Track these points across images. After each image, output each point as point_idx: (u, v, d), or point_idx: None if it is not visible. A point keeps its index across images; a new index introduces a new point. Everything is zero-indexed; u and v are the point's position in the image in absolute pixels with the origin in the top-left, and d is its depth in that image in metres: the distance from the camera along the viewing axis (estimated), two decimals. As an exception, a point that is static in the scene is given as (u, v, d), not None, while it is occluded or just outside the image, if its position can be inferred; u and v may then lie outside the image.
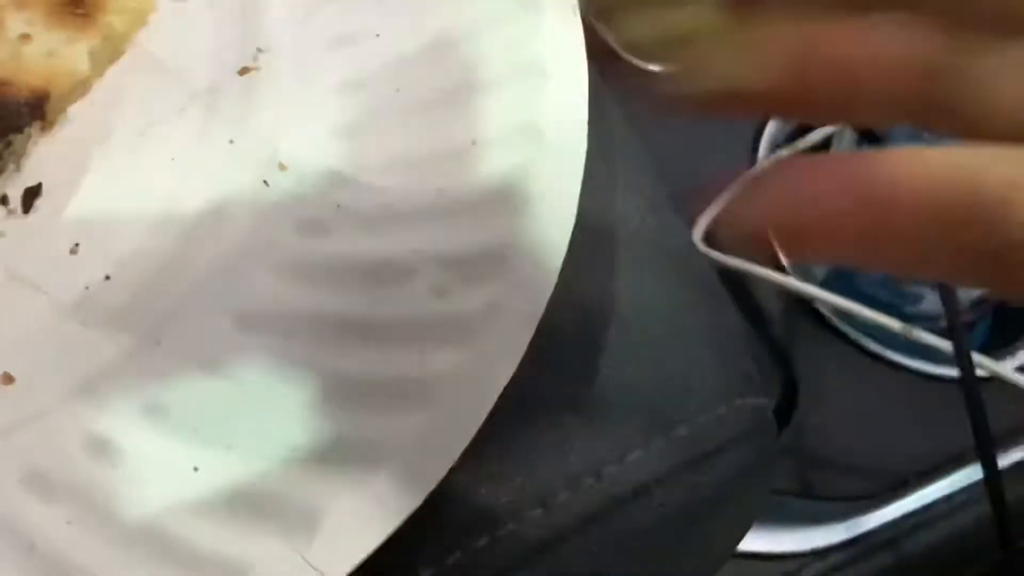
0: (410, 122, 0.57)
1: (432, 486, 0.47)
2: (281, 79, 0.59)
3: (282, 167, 0.56)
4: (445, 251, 0.53)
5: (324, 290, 0.53)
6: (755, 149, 1.02)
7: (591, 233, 0.57)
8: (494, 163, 0.55)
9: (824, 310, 0.95)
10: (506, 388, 0.49)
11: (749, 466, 0.57)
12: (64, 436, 0.50)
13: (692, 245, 0.66)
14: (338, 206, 0.55)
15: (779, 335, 0.95)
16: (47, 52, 0.53)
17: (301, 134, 0.57)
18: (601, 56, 0.58)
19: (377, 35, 0.59)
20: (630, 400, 0.55)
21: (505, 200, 0.53)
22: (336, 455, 0.48)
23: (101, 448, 0.49)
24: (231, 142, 0.57)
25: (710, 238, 0.94)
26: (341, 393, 0.50)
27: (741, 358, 0.60)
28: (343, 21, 0.60)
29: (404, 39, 0.59)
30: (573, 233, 0.53)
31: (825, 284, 0.94)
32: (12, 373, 0.51)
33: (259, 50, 0.59)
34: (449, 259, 0.53)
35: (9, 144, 0.54)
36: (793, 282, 0.92)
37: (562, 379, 0.55)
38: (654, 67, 0.92)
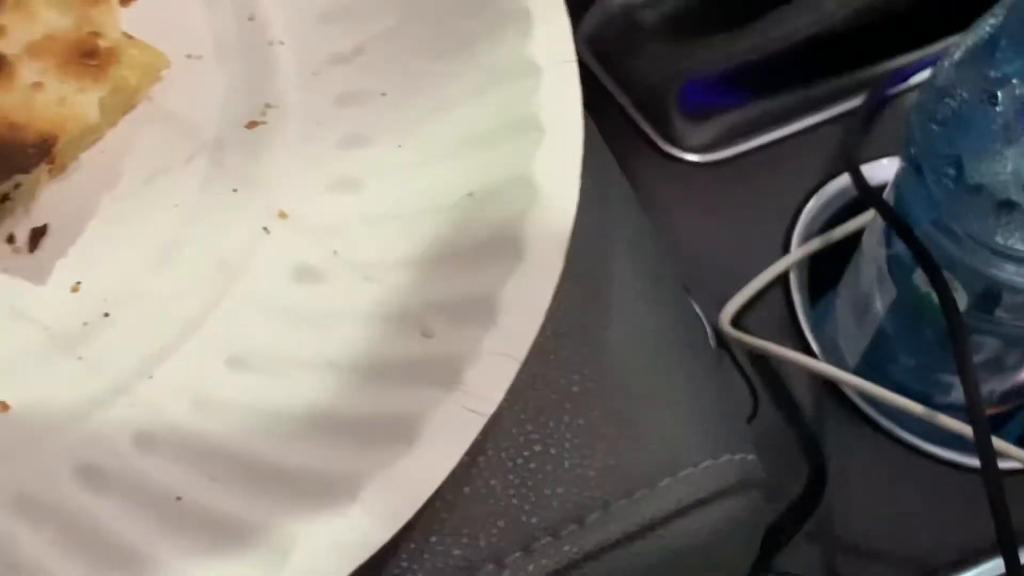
0: (409, 176, 0.59)
1: (405, 520, 0.48)
2: (287, 133, 0.61)
3: (282, 215, 0.58)
4: (436, 296, 0.55)
5: (316, 333, 0.55)
6: (788, 238, 1.03)
7: (582, 283, 0.59)
8: (488, 214, 0.56)
9: (854, 396, 0.95)
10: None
11: (737, 520, 0.57)
12: (54, 463, 0.51)
13: (689, 311, 0.67)
14: (335, 253, 0.57)
15: (808, 420, 0.95)
16: (58, 100, 0.55)
17: (303, 185, 0.59)
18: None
19: (383, 94, 0.62)
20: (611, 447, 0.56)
21: (497, 249, 0.55)
22: (315, 488, 0.49)
23: (90, 475, 0.50)
24: (234, 191, 0.59)
25: (737, 321, 0.95)
26: (326, 429, 0.51)
27: (729, 416, 0.61)
28: (350, 80, 0.62)
29: (408, 98, 0.61)
30: (563, 282, 0.54)
31: (857, 371, 0.94)
32: (8, 401, 0.52)
33: (267, 105, 0.62)
34: (439, 303, 0.54)
35: (17, 185, 0.56)
36: (823, 366, 0.92)
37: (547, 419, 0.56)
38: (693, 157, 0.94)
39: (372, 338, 0.54)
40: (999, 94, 0.72)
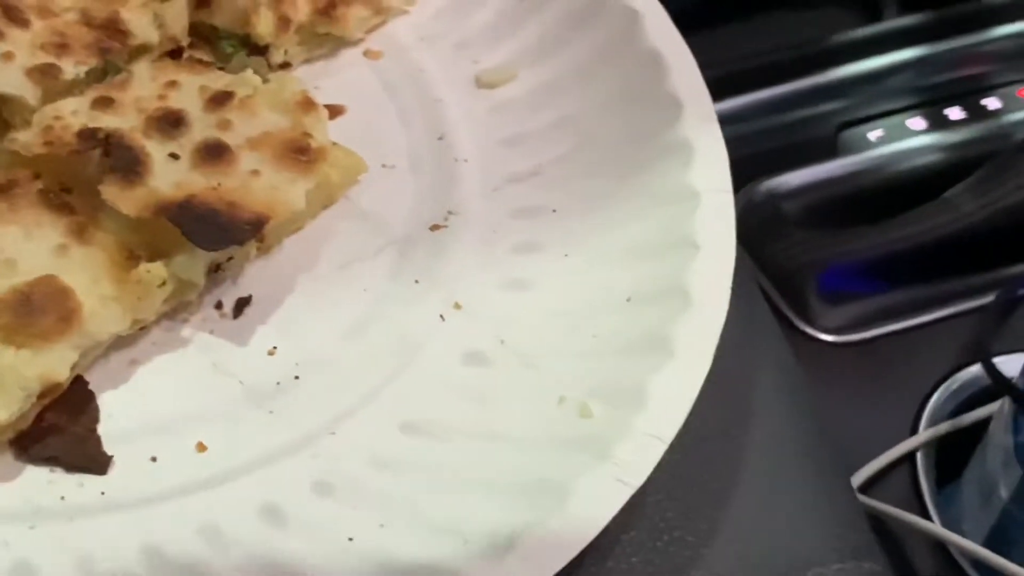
0: (574, 281, 0.65)
1: (554, 572, 0.53)
2: (466, 237, 0.67)
3: (457, 306, 0.64)
4: (593, 383, 0.60)
5: (481, 408, 0.60)
6: (916, 421, 1.06)
7: (727, 390, 0.64)
8: (644, 317, 0.62)
9: (969, 568, 0.96)
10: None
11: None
12: (242, 501, 0.56)
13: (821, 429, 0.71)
14: (502, 342, 0.62)
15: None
16: (271, 186, 0.62)
17: (477, 282, 0.65)
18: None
19: (554, 210, 0.68)
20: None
21: (651, 347, 0.60)
22: (475, 537, 0.54)
23: (272, 513, 0.56)
24: (416, 282, 0.65)
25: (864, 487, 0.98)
26: (487, 487, 0.56)
27: (862, 527, 0.64)
28: (526, 197, 0.69)
29: (577, 215, 0.68)
30: (710, 386, 0.59)
31: (986, 543, 0.96)
32: (205, 443, 0.58)
33: (450, 212, 0.69)
34: (595, 389, 0.59)
35: (230, 258, 0.63)
36: (947, 534, 0.94)
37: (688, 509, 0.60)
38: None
39: (532, 416, 0.59)
40: None
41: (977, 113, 1.29)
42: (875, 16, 1.42)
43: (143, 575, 0.54)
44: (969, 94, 1.31)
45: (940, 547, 0.98)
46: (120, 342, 0.60)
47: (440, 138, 0.73)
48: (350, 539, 0.55)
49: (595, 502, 0.54)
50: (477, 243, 0.67)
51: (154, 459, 0.57)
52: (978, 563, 0.95)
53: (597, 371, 0.60)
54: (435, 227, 0.68)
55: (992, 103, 1.30)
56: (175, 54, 0.70)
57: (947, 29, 1.34)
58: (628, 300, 0.63)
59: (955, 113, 1.29)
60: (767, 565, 0.61)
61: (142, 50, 0.69)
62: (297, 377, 0.61)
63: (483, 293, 0.65)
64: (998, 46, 1.35)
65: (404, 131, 0.73)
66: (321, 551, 0.54)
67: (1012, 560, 0.94)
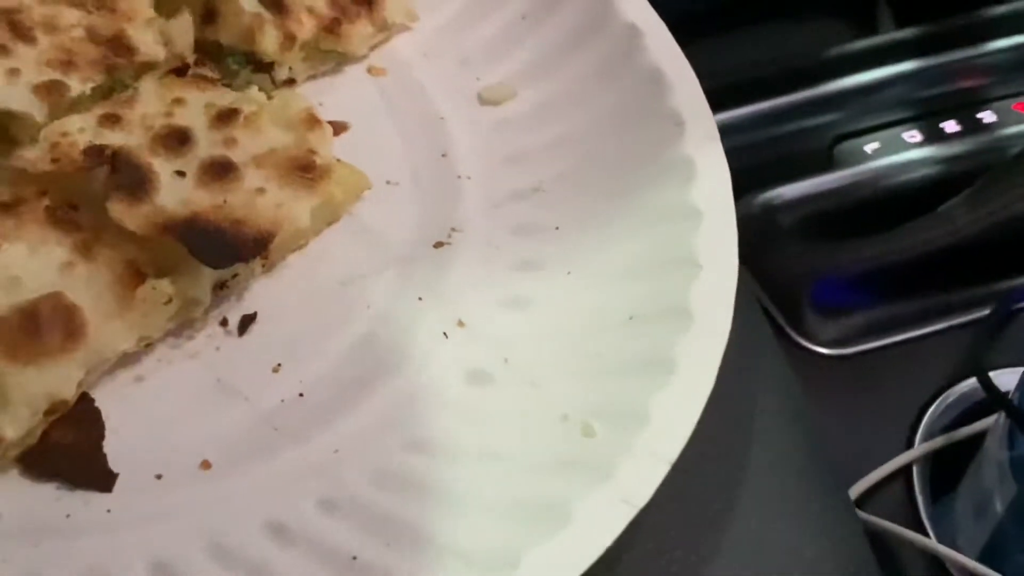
0: (576, 299, 0.65)
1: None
2: (468, 254, 0.68)
3: (460, 324, 0.64)
4: (596, 403, 0.60)
5: (485, 427, 0.60)
6: (911, 434, 1.07)
7: (728, 411, 0.64)
8: (646, 336, 0.62)
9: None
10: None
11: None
12: (246, 518, 0.56)
13: (823, 451, 0.71)
14: (505, 360, 0.63)
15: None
16: (276, 204, 0.63)
17: (480, 300, 0.65)
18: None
19: (556, 228, 0.69)
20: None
21: (653, 366, 0.60)
22: (480, 557, 0.54)
23: (277, 530, 0.56)
24: (419, 299, 0.65)
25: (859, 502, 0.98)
26: (490, 507, 0.56)
27: (860, 544, 0.65)
28: (528, 214, 0.70)
29: (579, 232, 0.68)
30: (712, 408, 0.59)
31: (980, 558, 0.96)
32: (210, 460, 0.58)
33: (453, 229, 0.69)
34: (599, 409, 0.59)
35: (235, 275, 0.63)
36: (942, 549, 0.94)
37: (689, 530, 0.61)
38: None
39: (534, 435, 0.59)
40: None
41: (973, 126, 1.30)
42: (871, 29, 1.43)
43: (148, 592, 0.54)
44: (965, 107, 1.31)
45: (935, 561, 0.98)
46: (126, 359, 0.61)
47: (443, 155, 0.73)
48: (354, 557, 0.55)
49: (598, 522, 0.54)
50: (480, 260, 0.68)
51: (159, 476, 0.57)
52: (972, 577, 0.96)
53: (599, 390, 0.61)
54: (438, 244, 0.68)
55: (988, 116, 1.30)
56: (181, 71, 0.70)
57: (943, 42, 1.35)
58: (630, 318, 0.63)
59: (951, 126, 1.30)
60: (767, 582, 0.61)
61: (148, 67, 0.69)
62: (301, 394, 0.61)
63: (486, 311, 0.65)
64: (994, 59, 1.35)
65: (407, 148, 0.73)
66: (325, 569, 0.54)
67: (1006, 575, 0.94)
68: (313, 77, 0.77)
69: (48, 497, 0.56)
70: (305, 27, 0.74)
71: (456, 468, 0.58)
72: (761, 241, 1.20)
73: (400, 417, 0.61)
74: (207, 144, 0.64)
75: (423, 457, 0.59)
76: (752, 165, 1.23)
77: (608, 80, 0.75)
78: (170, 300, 0.60)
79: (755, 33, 1.41)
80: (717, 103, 1.24)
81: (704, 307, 0.62)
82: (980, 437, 1.01)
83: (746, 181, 1.20)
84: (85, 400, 0.59)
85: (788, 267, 1.19)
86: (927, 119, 1.30)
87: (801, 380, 0.99)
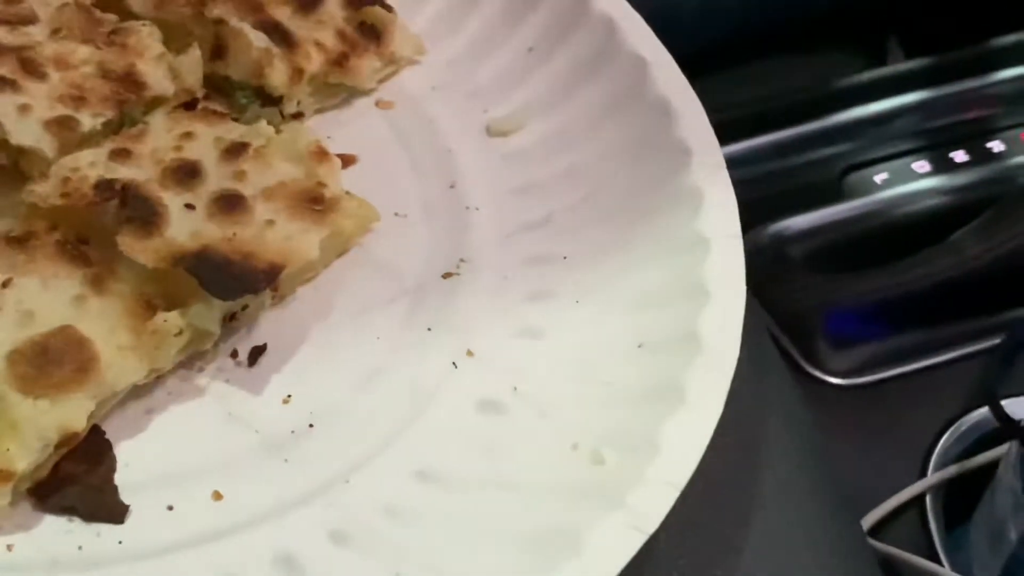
0: (586, 328, 0.65)
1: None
2: (478, 285, 0.68)
3: (470, 354, 0.65)
4: (606, 430, 0.60)
5: (496, 456, 0.60)
6: (925, 463, 1.07)
7: (740, 439, 0.64)
8: (656, 363, 0.62)
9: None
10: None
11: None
12: (258, 549, 0.56)
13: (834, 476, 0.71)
14: (515, 389, 0.63)
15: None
16: (285, 236, 0.63)
17: (490, 330, 0.66)
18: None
19: (565, 258, 0.69)
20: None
21: (663, 393, 0.60)
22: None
23: (288, 563, 0.56)
24: (429, 330, 0.66)
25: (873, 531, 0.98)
26: (501, 537, 0.56)
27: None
28: (538, 244, 0.70)
29: (589, 261, 0.68)
30: (723, 436, 0.59)
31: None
32: (221, 491, 0.58)
33: (462, 260, 0.69)
34: (609, 437, 0.60)
35: (244, 307, 0.64)
36: (955, 577, 0.95)
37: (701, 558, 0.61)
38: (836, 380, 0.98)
39: (545, 464, 0.59)
40: None
41: (981, 156, 1.31)
42: (880, 60, 1.44)
43: (160, 624, 0.54)
44: (973, 137, 1.32)
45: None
46: (136, 391, 0.61)
47: (452, 186, 0.73)
48: (366, 588, 0.55)
49: (609, 550, 0.54)
50: (489, 291, 0.68)
51: (171, 508, 0.58)
52: (988, 607, 0.95)
53: (609, 418, 0.61)
54: (447, 275, 0.68)
55: (996, 146, 1.31)
56: (190, 105, 0.71)
57: (951, 73, 1.36)
58: (640, 347, 0.64)
59: (960, 156, 1.30)
60: (780, 610, 0.61)
61: (158, 102, 0.69)
62: (312, 425, 0.61)
63: (496, 341, 0.65)
64: (1002, 89, 1.36)
65: (416, 180, 0.74)
66: (336, 599, 0.55)
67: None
68: (322, 111, 0.77)
69: (60, 529, 0.56)
70: (313, 61, 0.74)
71: (467, 497, 0.58)
72: (772, 272, 1.20)
73: (410, 447, 0.61)
74: (217, 177, 0.64)
75: (434, 487, 0.59)
76: (762, 197, 1.24)
77: (616, 111, 0.75)
78: (180, 332, 0.60)
79: (765, 66, 1.42)
80: (728, 136, 1.26)
81: (713, 334, 0.62)
82: (993, 466, 1.01)
83: (757, 213, 1.21)
84: (96, 433, 0.59)
85: (799, 298, 1.19)
86: (936, 149, 1.31)
87: (814, 410, 1.00)
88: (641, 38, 0.77)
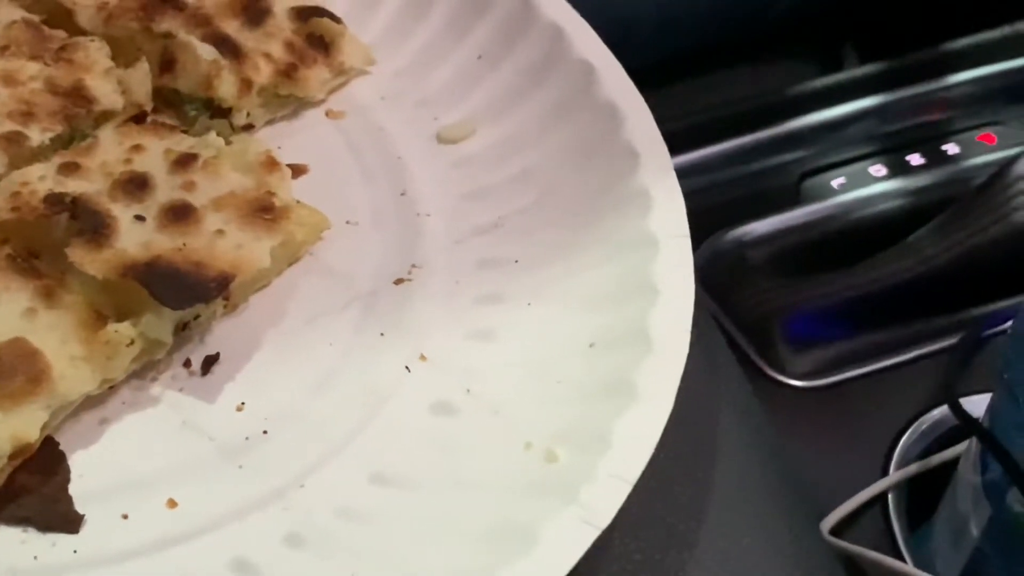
0: (538, 329, 0.66)
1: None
2: (430, 290, 0.69)
3: (423, 358, 0.65)
4: (559, 428, 0.61)
5: (449, 457, 0.61)
6: (886, 462, 1.07)
7: (691, 432, 0.65)
8: (607, 362, 0.63)
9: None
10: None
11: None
12: (214, 555, 0.57)
13: (789, 469, 0.72)
14: (468, 391, 0.63)
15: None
16: (236, 245, 0.63)
17: (442, 334, 0.66)
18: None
19: (516, 261, 0.69)
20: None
21: (614, 391, 0.61)
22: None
23: (244, 568, 0.56)
24: (382, 335, 0.66)
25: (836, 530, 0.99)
26: (455, 535, 0.57)
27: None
28: (489, 248, 0.71)
29: (540, 264, 0.69)
30: (674, 429, 0.59)
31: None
32: (176, 499, 0.59)
33: (414, 266, 0.70)
34: (562, 435, 0.60)
35: (196, 317, 0.64)
36: (919, 574, 0.95)
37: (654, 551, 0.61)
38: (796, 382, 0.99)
39: (499, 463, 0.60)
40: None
41: (937, 159, 1.32)
42: (836, 67, 1.45)
43: (116, 631, 0.54)
44: (929, 140, 1.34)
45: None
46: (90, 402, 0.61)
47: (402, 194, 0.74)
48: (322, 591, 0.55)
49: (563, 545, 0.55)
50: (441, 295, 0.68)
51: (126, 516, 0.58)
52: (952, 602, 0.96)
53: (562, 416, 0.61)
54: (399, 280, 0.69)
55: (952, 148, 1.32)
56: (140, 119, 0.71)
57: (906, 77, 1.37)
58: (591, 346, 0.64)
59: (916, 159, 1.32)
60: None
61: (107, 116, 0.70)
62: (266, 432, 0.62)
63: (448, 344, 0.66)
64: (956, 92, 1.38)
65: (367, 188, 0.74)
66: (293, 604, 0.55)
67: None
68: (271, 122, 0.78)
69: (14, 540, 0.57)
70: (262, 73, 0.75)
71: (422, 497, 0.59)
72: (732, 277, 1.21)
73: (365, 450, 0.61)
74: (166, 188, 0.65)
75: (389, 488, 0.60)
76: (721, 203, 1.25)
77: (564, 116, 0.76)
78: (132, 342, 0.60)
79: (723, 75, 1.43)
80: (687, 143, 1.27)
81: (663, 332, 0.63)
82: (954, 463, 1.02)
83: (715, 219, 1.22)
84: (50, 443, 0.59)
85: (759, 302, 1.20)
86: (892, 153, 1.32)
87: (775, 413, 1.00)
88: (588, 44, 0.78)
